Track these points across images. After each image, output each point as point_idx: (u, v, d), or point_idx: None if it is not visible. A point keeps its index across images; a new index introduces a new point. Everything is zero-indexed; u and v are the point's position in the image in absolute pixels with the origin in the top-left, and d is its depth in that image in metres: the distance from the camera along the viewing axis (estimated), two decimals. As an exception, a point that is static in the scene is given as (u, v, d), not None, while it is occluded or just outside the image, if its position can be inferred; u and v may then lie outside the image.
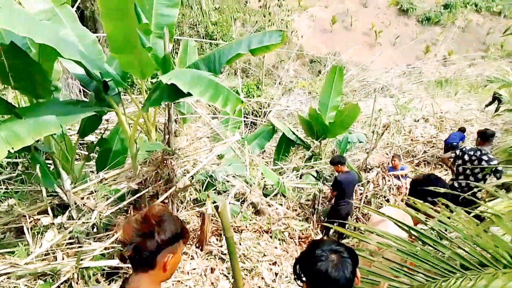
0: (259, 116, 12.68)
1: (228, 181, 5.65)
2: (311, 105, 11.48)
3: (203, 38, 14.47)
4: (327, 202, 5.56)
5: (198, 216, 4.89)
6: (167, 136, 4.09)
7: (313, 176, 6.94)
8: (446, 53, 19.28)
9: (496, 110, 11.31)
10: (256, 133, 7.95)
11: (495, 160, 4.49)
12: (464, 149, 4.74)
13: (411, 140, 9.12)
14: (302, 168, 6.87)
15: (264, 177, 6.19)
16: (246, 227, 4.73)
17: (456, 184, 4.64)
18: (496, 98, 11.26)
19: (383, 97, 12.25)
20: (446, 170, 7.45)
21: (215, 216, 5.27)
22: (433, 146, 8.62)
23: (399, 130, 9.48)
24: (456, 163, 4.70)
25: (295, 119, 9.79)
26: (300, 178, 6.91)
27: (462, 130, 8.62)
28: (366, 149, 7.73)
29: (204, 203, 4.77)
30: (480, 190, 4.55)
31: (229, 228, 1.64)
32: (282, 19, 17.19)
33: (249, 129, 11.03)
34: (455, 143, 7.77)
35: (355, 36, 20.40)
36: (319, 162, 7.19)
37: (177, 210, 4.46)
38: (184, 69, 3.45)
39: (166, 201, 4.42)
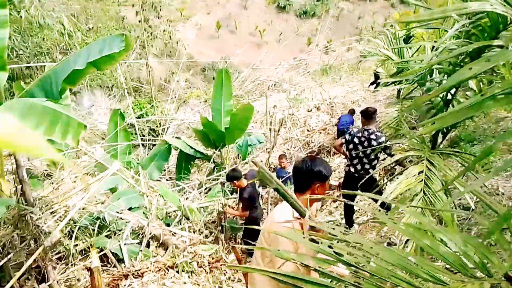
0: (158, 135, 11.92)
1: (121, 218, 4.97)
2: (208, 113, 11.16)
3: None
4: (233, 217, 5.19)
5: (88, 270, 4.15)
6: (19, 186, 3.33)
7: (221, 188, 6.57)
8: (326, 42, 20.67)
9: (376, 86, 12.15)
10: (151, 156, 7.30)
11: (383, 137, 4.44)
12: (352, 132, 4.71)
13: (308, 130, 9.27)
14: (205, 183, 6.46)
15: (165, 204, 5.63)
16: (148, 267, 4.13)
17: (352, 169, 4.62)
18: (376, 76, 12.09)
19: (276, 93, 12.46)
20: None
21: (111, 262, 4.57)
22: (328, 133, 8.88)
23: (295, 123, 9.59)
24: (348, 148, 4.64)
25: (195, 132, 9.31)
26: (207, 193, 6.49)
27: (351, 112, 8.54)
28: (267, 149, 7.65)
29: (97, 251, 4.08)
30: (374, 168, 4.62)
31: None
32: (164, 30, 16.54)
33: (148, 152, 10.22)
34: (346, 129, 7.56)
35: (242, 38, 20.73)
36: (224, 172, 6.85)
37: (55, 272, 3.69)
38: (16, 99, 2.75)
39: (39, 264, 3.64)
